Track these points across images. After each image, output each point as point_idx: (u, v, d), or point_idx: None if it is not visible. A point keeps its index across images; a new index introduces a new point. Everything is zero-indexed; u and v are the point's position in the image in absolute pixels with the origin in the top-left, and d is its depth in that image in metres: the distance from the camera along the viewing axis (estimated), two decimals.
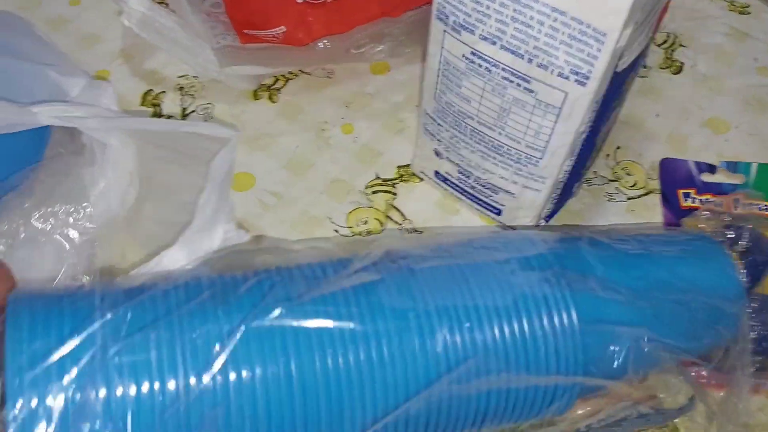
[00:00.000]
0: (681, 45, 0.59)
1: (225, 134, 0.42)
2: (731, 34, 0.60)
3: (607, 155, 0.52)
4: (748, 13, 0.62)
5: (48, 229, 0.43)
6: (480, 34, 0.37)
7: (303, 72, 0.57)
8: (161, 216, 0.46)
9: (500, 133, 0.41)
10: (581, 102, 0.37)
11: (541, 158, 0.41)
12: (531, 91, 0.38)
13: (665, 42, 0.59)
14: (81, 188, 0.45)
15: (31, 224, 0.43)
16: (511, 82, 0.38)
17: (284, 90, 0.56)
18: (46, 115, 0.42)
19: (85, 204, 0.44)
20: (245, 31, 0.51)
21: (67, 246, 0.43)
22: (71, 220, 0.44)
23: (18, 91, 0.46)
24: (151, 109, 0.55)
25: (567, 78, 0.36)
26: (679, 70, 0.58)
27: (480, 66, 0.39)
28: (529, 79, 0.37)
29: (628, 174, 0.52)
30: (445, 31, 0.39)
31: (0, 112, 0.40)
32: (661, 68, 0.58)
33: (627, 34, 0.34)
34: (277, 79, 0.57)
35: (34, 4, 0.61)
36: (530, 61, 0.37)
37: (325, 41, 0.51)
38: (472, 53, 0.38)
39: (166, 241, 0.40)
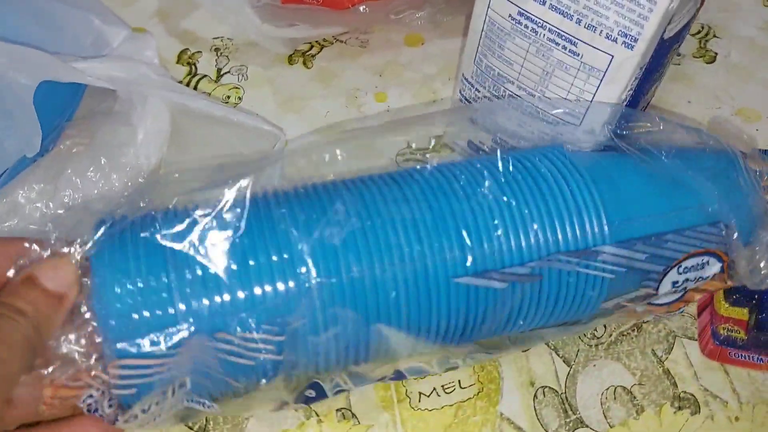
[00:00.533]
0: (715, 36, 0.59)
1: (272, 131, 0.42)
2: (764, 28, 0.60)
3: None
4: None
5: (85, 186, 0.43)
6: None
7: (338, 40, 0.57)
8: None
9: (540, 98, 0.41)
10: (627, 66, 0.37)
11: (579, 125, 0.41)
12: (576, 53, 0.38)
13: (699, 32, 0.60)
14: (117, 145, 0.45)
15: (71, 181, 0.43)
16: (557, 44, 0.38)
17: (319, 56, 0.56)
18: (91, 73, 0.42)
19: (123, 160, 0.44)
20: None
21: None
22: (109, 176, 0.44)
23: (64, 37, 0.46)
24: (186, 68, 0.55)
25: (615, 40, 0.36)
26: (712, 60, 0.58)
27: (526, 27, 0.39)
28: (575, 41, 0.38)
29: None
30: None
31: (48, 67, 0.40)
32: (695, 57, 0.58)
33: None
34: (312, 46, 0.57)
35: None
36: (579, 21, 0.37)
37: (364, 6, 0.51)
38: (519, 13, 0.39)
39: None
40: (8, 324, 0.28)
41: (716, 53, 0.58)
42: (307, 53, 0.57)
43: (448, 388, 0.41)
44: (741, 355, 0.42)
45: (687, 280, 0.38)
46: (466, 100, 0.46)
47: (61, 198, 0.41)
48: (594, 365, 0.42)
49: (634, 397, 0.41)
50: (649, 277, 0.37)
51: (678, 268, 0.37)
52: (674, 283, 0.37)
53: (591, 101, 0.40)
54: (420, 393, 0.40)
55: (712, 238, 0.37)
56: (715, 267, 0.38)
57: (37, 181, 0.42)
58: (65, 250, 0.31)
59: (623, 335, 0.43)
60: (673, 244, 0.36)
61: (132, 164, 0.44)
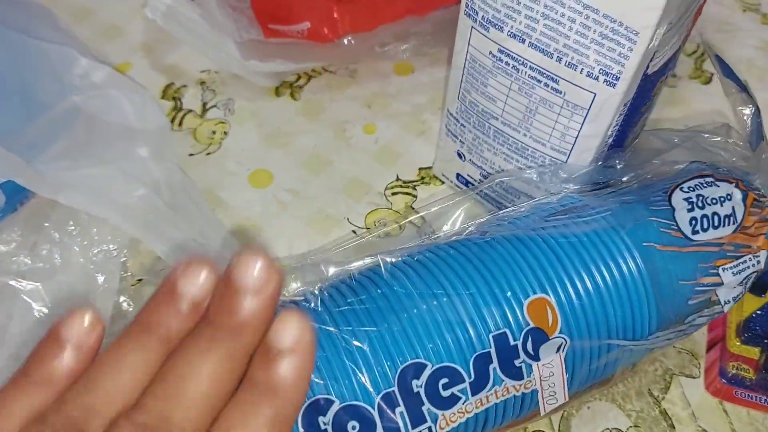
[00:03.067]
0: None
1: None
2: (762, 48, 0.59)
3: None
4: None
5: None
6: (509, 31, 0.36)
7: (326, 70, 0.56)
8: None
9: (525, 135, 0.40)
10: (610, 104, 0.36)
11: (566, 162, 0.40)
12: (559, 91, 0.37)
13: (695, 52, 0.58)
14: None
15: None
16: (539, 81, 0.37)
17: (306, 88, 0.56)
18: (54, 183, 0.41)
19: None
20: (269, 25, 0.50)
21: None
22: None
23: (45, 73, 0.45)
24: (171, 103, 0.54)
25: (596, 78, 0.35)
26: (708, 81, 0.57)
27: (507, 64, 0.38)
28: (557, 78, 0.36)
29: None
30: (473, 27, 0.38)
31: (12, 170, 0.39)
32: (691, 78, 0.57)
33: (660, 33, 0.33)
34: (299, 77, 0.56)
35: None
36: (559, 60, 0.36)
37: (349, 38, 0.50)
38: (500, 50, 0.38)
39: None
40: None
41: (712, 74, 0.57)
42: (295, 84, 0.56)
43: None
44: (748, 395, 0.41)
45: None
46: (452, 134, 0.45)
47: (40, 251, 0.40)
48: (588, 407, 0.41)
49: None
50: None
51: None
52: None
53: (576, 138, 0.38)
54: None
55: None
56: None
57: (17, 231, 0.41)
58: None
59: (618, 375, 0.42)
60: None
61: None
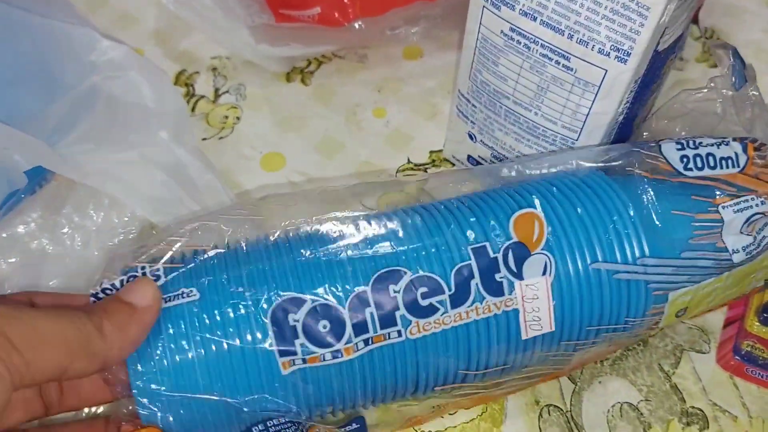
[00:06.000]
0: (719, 39, 0.58)
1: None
2: None
3: None
4: None
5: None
6: (520, 9, 0.37)
7: (336, 56, 0.57)
8: None
9: (536, 114, 0.41)
10: (621, 80, 0.37)
11: (576, 140, 0.41)
12: (570, 68, 0.37)
13: (702, 36, 0.59)
14: None
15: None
16: (550, 59, 0.38)
17: (317, 73, 0.56)
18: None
19: None
20: (281, 10, 0.51)
21: None
22: None
23: (65, 54, 0.46)
24: (184, 89, 0.55)
25: (608, 55, 0.36)
26: (715, 65, 0.57)
27: (518, 43, 0.38)
28: (568, 56, 0.37)
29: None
30: (484, 6, 0.38)
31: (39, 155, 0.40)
32: (698, 61, 0.57)
33: (671, 9, 0.34)
34: (310, 62, 0.57)
35: None
36: (570, 37, 0.36)
37: (360, 22, 0.51)
38: (511, 29, 0.38)
39: None
40: (60, 316, 0.29)
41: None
42: (306, 70, 0.56)
43: (452, 409, 0.40)
44: (759, 373, 0.41)
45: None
46: (463, 115, 0.46)
47: (60, 235, 0.41)
48: (599, 382, 0.42)
49: (641, 414, 0.41)
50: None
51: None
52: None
53: (587, 116, 0.39)
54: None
55: None
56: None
57: (37, 212, 0.42)
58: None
59: (629, 350, 0.43)
60: None
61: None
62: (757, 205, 0.37)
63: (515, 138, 0.43)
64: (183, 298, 0.32)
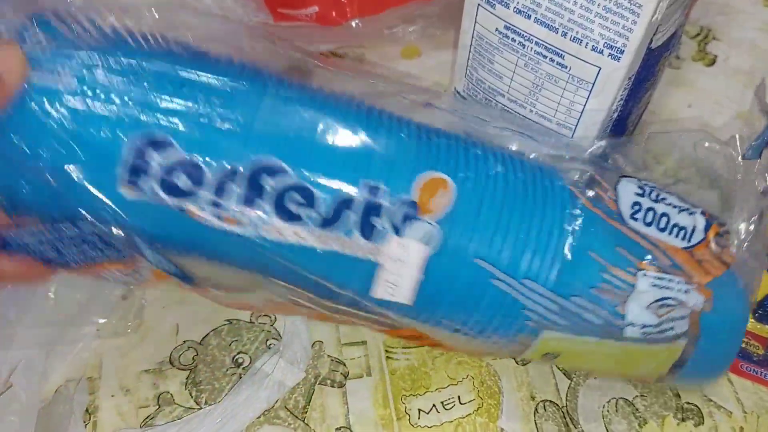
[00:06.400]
0: (714, 38, 0.59)
1: None
2: (765, 29, 0.59)
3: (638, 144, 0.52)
4: None
5: None
6: (514, 7, 0.37)
7: (334, 54, 0.57)
8: None
9: (531, 111, 0.41)
10: (614, 77, 0.37)
11: (571, 137, 0.41)
12: (564, 66, 0.38)
13: (698, 35, 0.59)
14: None
15: None
16: (545, 56, 0.38)
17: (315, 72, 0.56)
18: None
19: None
20: (279, 9, 0.51)
21: None
22: None
23: None
24: None
25: (601, 52, 0.36)
26: (712, 63, 0.57)
27: (513, 40, 0.39)
28: (562, 53, 0.37)
29: (658, 163, 0.51)
30: (479, 4, 0.39)
31: None
32: (694, 60, 0.57)
33: (663, 7, 0.34)
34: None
35: None
36: (564, 34, 0.37)
37: (357, 21, 0.51)
38: (506, 27, 0.38)
39: None
40: None
41: (716, 56, 0.58)
42: (303, 68, 0.57)
43: (448, 404, 0.41)
44: (753, 369, 0.42)
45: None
46: None
47: None
48: (595, 377, 0.42)
49: (637, 410, 0.41)
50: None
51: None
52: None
53: (581, 113, 0.39)
54: (419, 410, 0.40)
55: None
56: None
57: None
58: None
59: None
60: None
61: None
62: (679, 290, 0.34)
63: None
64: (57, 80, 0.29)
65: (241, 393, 0.40)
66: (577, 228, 0.33)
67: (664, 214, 0.35)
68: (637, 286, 0.33)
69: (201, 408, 0.39)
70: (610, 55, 0.36)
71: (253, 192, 0.30)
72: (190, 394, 0.40)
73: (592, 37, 0.36)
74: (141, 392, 0.40)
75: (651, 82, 0.42)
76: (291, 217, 0.30)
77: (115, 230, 0.30)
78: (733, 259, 0.35)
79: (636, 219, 0.34)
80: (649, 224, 0.34)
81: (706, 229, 0.35)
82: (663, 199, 0.35)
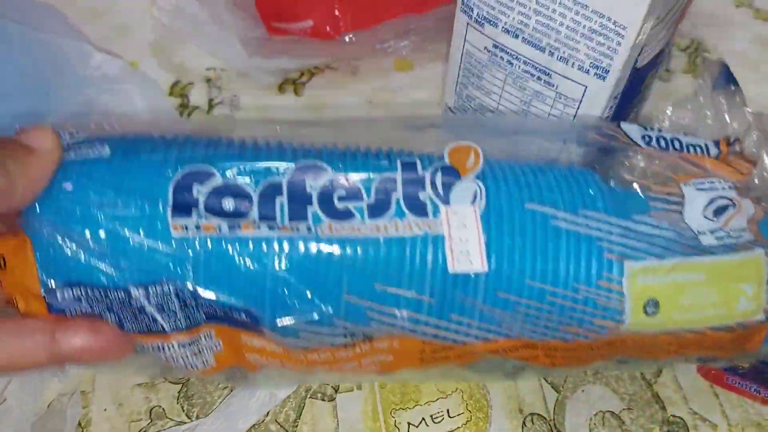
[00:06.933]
0: (705, 50, 0.59)
1: None
2: (755, 41, 0.60)
3: None
4: None
5: None
6: (503, 27, 0.38)
7: (328, 67, 0.58)
8: None
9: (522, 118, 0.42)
10: (600, 96, 0.37)
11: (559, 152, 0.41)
12: (551, 84, 0.38)
13: (689, 47, 0.60)
14: None
15: None
16: (532, 75, 0.39)
17: (309, 84, 0.57)
18: None
19: None
20: (273, 23, 0.52)
21: None
22: None
23: (62, 66, 0.47)
24: (178, 100, 0.56)
25: (587, 72, 0.37)
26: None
27: (502, 59, 0.39)
28: (549, 72, 0.38)
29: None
30: (468, 23, 0.39)
31: None
32: (684, 72, 0.58)
33: (647, 28, 0.34)
34: (302, 74, 0.58)
35: None
36: (551, 54, 0.37)
37: (350, 35, 0.52)
38: (495, 46, 0.39)
39: None
40: None
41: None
42: (298, 81, 0.57)
43: (437, 417, 0.41)
44: (738, 382, 0.42)
45: None
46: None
47: None
48: (582, 390, 0.42)
49: (623, 422, 0.41)
50: None
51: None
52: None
53: (574, 117, 0.40)
54: (409, 423, 0.41)
55: None
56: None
57: None
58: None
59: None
60: None
61: None
62: (724, 188, 0.34)
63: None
64: (92, 153, 0.31)
65: (231, 404, 0.40)
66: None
67: (674, 138, 0.36)
68: (685, 197, 0.34)
69: (192, 421, 0.40)
70: (595, 74, 0.36)
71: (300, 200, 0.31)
72: (182, 408, 0.41)
73: (578, 57, 0.36)
74: (133, 406, 0.41)
75: (638, 99, 0.42)
76: (340, 214, 0.31)
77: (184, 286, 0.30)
78: (755, 158, 0.36)
79: (651, 146, 0.35)
80: (664, 149, 0.35)
81: (716, 144, 0.37)
82: (666, 133, 0.37)
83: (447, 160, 0.33)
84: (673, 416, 0.42)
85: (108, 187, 0.30)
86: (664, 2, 0.35)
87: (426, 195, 0.31)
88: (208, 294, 0.30)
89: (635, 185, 0.34)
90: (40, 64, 0.47)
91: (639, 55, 0.36)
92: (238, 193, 0.30)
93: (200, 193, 0.30)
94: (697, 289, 0.33)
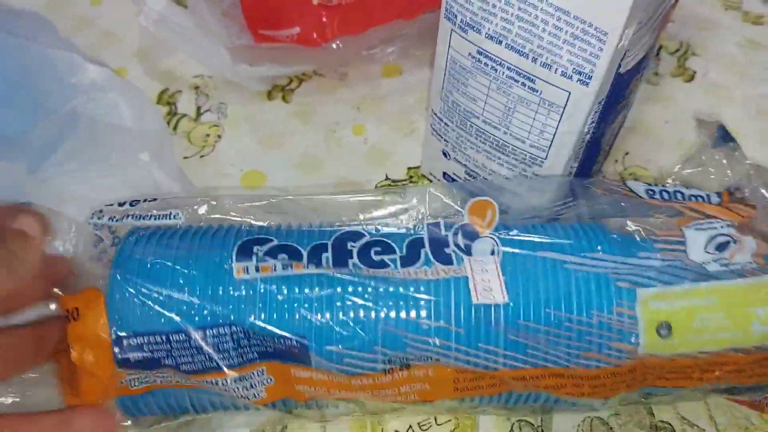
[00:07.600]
0: (693, 54, 0.59)
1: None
2: (744, 45, 0.60)
3: (615, 160, 0.52)
4: (761, 24, 0.62)
5: None
6: (486, 33, 0.38)
7: (316, 74, 0.58)
8: None
9: (505, 133, 0.42)
10: (584, 102, 0.37)
11: (545, 159, 0.41)
12: (535, 90, 0.38)
13: (678, 50, 0.60)
14: None
15: None
16: (516, 81, 0.39)
17: (298, 91, 0.57)
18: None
19: None
20: (260, 31, 0.52)
21: None
22: None
23: (47, 76, 0.47)
24: (166, 108, 0.56)
25: (570, 77, 0.37)
26: (690, 79, 0.58)
27: (486, 65, 0.39)
28: (533, 78, 0.38)
29: (636, 180, 0.52)
30: (452, 30, 0.39)
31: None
32: (673, 76, 0.58)
33: (629, 33, 0.34)
34: (290, 80, 0.58)
35: (58, 4, 0.62)
36: (534, 60, 0.37)
37: (338, 42, 0.52)
38: (479, 52, 0.39)
39: None
40: None
41: (695, 71, 0.58)
42: (286, 87, 0.57)
43: (424, 425, 0.41)
44: None
45: None
46: (437, 133, 0.47)
47: None
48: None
49: (611, 428, 0.41)
50: None
51: None
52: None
53: (553, 136, 0.40)
54: (396, 431, 0.41)
55: None
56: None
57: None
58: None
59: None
60: None
61: None
62: (722, 226, 0.37)
63: (486, 156, 0.44)
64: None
65: (216, 416, 0.40)
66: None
67: (677, 192, 0.39)
68: (687, 237, 0.36)
69: None
70: (579, 80, 0.36)
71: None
72: None
73: (561, 63, 0.36)
74: None
75: (623, 104, 0.42)
76: (376, 264, 0.36)
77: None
78: (757, 203, 0.38)
79: (654, 198, 0.39)
80: (667, 200, 0.38)
81: (719, 195, 0.39)
82: (669, 186, 0.40)
83: (467, 218, 0.38)
84: (661, 421, 0.42)
85: (180, 256, 0.35)
86: (645, 7, 0.34)
87: (450, 250, 0.36)
88: (266, 326, 0.34)
89: (640, 231, 0.37)
90: (28, 73, 0.47)
91: (622, 60, 0.36)
92: (291, 250, 0.36)
93: (260, 250, 0.36)
94: (709, 313, 0.35)
